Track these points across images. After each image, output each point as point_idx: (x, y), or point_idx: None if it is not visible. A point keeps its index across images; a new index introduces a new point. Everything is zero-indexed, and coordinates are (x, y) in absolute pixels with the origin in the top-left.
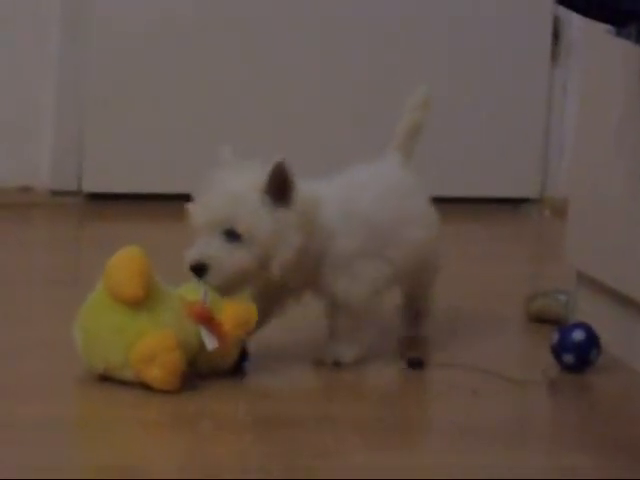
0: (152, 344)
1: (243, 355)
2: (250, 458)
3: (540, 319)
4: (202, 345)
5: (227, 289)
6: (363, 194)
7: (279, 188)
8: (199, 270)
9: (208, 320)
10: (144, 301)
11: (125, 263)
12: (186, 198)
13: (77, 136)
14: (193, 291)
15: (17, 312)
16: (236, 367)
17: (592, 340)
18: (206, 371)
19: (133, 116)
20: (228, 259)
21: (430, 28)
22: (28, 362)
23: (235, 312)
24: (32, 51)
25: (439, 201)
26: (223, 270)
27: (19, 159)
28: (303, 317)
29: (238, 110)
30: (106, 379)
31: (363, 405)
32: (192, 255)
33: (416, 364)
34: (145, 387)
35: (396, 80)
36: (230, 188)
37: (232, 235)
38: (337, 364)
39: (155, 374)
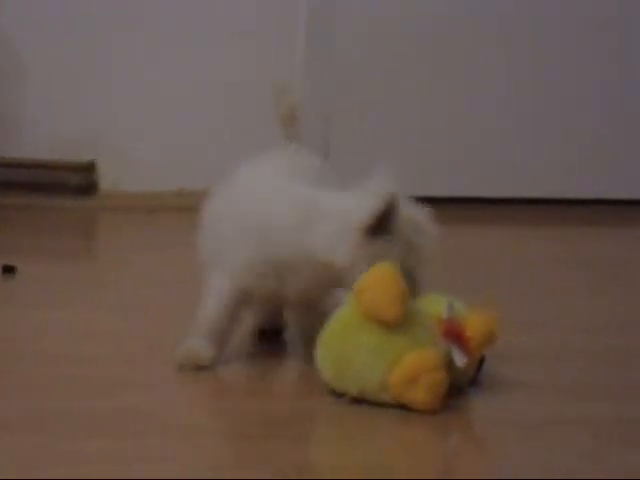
0: (415, 364)
1: (479, 364)
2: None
3: None
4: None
5: None
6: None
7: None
8: None
9: (459, 337)
10: (400, 320)
11: (382, 282)
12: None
13: (322, 140)
14: (432, 303)
15: None
16: (472, 378)
17: None
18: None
19: (374, 123)
20: None
21: None
22: None
23: (481, 326)
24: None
25: None
26: None
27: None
28: None
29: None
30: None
31: (615, 405)
32: None
33: None
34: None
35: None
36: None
37: None
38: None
39: (419, 396)
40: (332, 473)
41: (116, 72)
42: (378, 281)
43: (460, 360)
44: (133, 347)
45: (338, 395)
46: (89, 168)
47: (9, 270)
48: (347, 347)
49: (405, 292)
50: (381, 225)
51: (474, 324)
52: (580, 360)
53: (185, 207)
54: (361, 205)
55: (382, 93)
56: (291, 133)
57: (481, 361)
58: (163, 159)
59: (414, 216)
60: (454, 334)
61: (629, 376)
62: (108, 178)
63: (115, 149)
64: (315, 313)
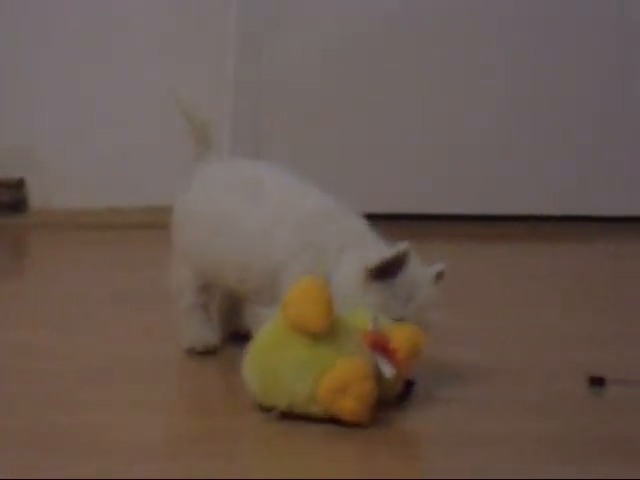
0: (344, 374)
1: (409, 380)
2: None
3: None
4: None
5: None
6: None
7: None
8: None
9: (384, 348)
10: (327, 332)
11: (308, 295)
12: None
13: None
14: (356, 317)
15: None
16: (402, 394)
17: None
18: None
19: (310, 147)
20: None
21: None
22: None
23: (406, 338)
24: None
25: None
26: None
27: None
28: None
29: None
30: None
31: (545, 422)
32: None
33: (598, 382)
34: (333, 420)
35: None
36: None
37: None
38: None
39: (349, 405)
40: None
41: (43, 88)
42: (304, 294)
43: (388, 371)
44: (67, 364)
45: (265, 409)
46: (18, 185)
47: None
48: (275, 361)
49: (331, 304)
50: (387, 272)
51: (399, 337)
52: (521, 377)
53: (117, 224)
54: (380, 251)
55: (318, 108)
56: (204, 151)
57: (412, 384)
58: (94, 176)
59: (418, 273)
60: (380, 346)
61: (574, 393)
62: (38, 195)
63: (45, 166)
64: None
